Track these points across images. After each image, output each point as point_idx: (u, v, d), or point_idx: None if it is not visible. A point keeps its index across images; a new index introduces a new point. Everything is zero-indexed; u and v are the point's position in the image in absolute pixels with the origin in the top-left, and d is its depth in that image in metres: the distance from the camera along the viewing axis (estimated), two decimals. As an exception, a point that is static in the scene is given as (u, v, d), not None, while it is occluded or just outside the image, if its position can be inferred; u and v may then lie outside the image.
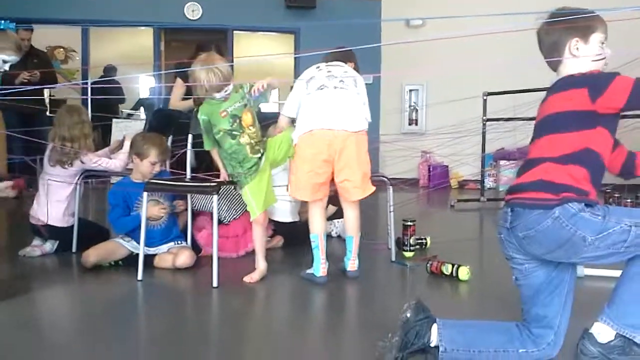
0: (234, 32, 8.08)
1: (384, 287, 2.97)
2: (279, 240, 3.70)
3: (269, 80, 2.80)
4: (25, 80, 5.33)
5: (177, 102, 4.26)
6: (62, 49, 10.35)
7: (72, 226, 3.42)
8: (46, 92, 6.62)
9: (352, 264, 2.95)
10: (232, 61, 7.27)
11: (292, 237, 3.66)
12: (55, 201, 3.36)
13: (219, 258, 2.78)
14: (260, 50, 7.30)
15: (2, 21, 2.90)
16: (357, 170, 2.87)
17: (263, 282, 2.96)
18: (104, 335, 2.18)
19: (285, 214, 3.63)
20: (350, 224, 2.98)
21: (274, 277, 3.02)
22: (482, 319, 2.00)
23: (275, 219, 3.62)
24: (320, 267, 2.85)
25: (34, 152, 4.39)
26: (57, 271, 3.10)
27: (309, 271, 2.91)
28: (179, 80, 4.26)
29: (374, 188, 2.99)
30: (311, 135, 2.83)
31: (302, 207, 3.70)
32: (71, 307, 2.60)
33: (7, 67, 2.90)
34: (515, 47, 7.12)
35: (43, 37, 6.76)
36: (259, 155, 2.85)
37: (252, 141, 2.81)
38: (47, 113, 5.98)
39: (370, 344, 2.10)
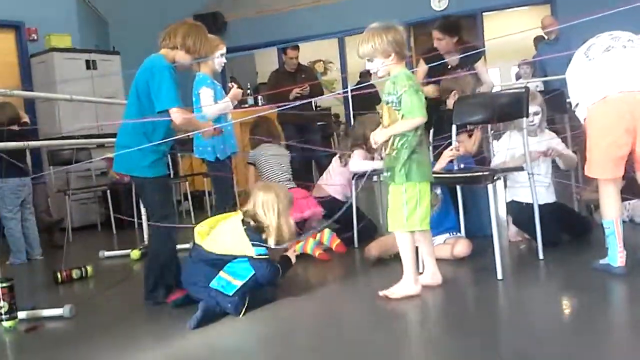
0: (483, 14, 7.81)
1: None
2: None
3: None
4: (298, 95, 5.92)
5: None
6: (321, 62, 11.37)
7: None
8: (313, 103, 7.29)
9: (656, 252, 2.57)
10: (484, 45, 7.02)
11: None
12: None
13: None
14: (512, 29, 6.87)
15: None
16: None
17: (548, 273, 2.79)
18: (395, 328, 2.28)
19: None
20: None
21: (560, 268, 2.81)
22: None
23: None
24: (617, 256, 2.54)
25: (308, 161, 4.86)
26: (345, 264, 3.33)
27: (602, 261, 2.62)
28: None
29: None
30: (605, 103, 2.51)
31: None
32: (370, 303, 2.60)
33: (224, 59, 3.43)
34: None
35: (304, 53, 7.47)
36: None
37: None
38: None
39: None
